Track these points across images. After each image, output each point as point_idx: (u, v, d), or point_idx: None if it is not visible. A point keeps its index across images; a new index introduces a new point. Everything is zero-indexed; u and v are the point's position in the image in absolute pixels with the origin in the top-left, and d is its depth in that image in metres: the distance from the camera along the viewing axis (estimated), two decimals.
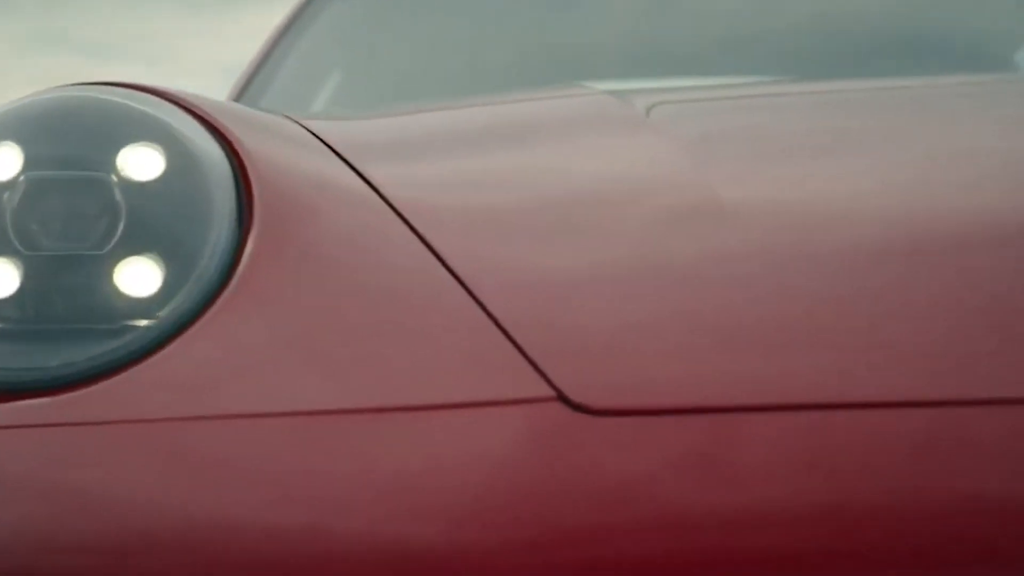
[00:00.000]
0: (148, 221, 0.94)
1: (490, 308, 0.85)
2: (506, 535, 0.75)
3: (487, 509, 0.76)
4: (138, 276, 0.92)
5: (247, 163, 0.97)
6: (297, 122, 1.10)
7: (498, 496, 0.76)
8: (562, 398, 0.79)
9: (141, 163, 0.96)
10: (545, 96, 1.32)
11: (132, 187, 0.94)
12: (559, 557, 0.74)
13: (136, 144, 0.96)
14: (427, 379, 0.82)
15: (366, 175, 1.00)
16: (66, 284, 0.91)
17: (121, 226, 0.93)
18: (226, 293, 0.89)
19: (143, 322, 0.89)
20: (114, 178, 0.94)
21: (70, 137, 0.97)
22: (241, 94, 2.03)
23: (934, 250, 0.90)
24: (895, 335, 0.83)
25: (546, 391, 0.80)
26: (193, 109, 1.01)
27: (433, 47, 2.19)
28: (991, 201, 0.96)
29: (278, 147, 1.02)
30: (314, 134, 1.06)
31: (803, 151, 1.10)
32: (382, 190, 0.97)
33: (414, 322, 0.86)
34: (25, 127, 0.97)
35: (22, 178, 0.93)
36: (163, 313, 0.89)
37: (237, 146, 0.98)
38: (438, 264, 0.90)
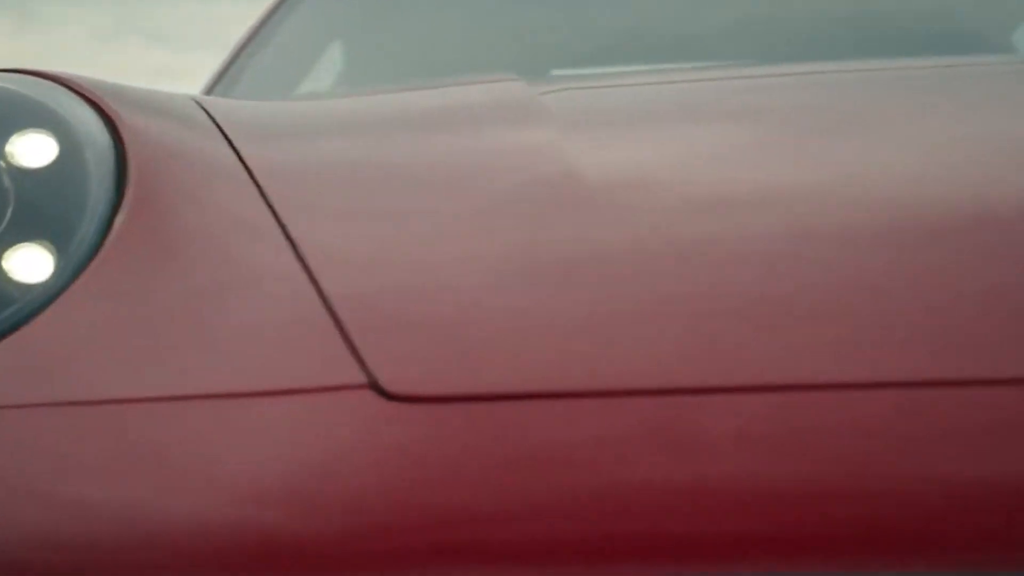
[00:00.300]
0: (37, 207, 0.94)
1: (331, 299, 0.85)
2: (294, 523, 0.75)
3: (288, 496, 0.76)
4: (28, 262, 0.92)
5: (128, 148, 0.97)
6: (203, 106, 1.10)
7: (300, 482, 0.76)
8: (374, 386, 0.79)
9: (31, 150, 0.97)
10: (456, 84, 1.31)
11: (21, 173, 0.95)
12: (355, 546, 0.74)
13: (26, 131, 0.97)
14: (252, 367, 0.82)
15: (247, 160, 1.00)
16: None
17: (9, 212, 0.93)
18: (81, 279, 0.89)
19: (11, 308, 0.89)
20: (3, 164, 0.95)
21: None
22: (222, 75, 2.03)
23: (894, 231, 0.89)
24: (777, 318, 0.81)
25: (359, 379, 0.79)
26: (86, 94, 1.02)
27: (424, 29, 2.18)
28: (960, 184, 0.95)
29: (167, 131, 1.03)
30: (212, 118, 1.06)
31: (727, 134, 1.09)
32: (257, 174, 0.98)
33: (257, 309, 0.86)
34: None
35: None
36: (26, 298, 0.89)
37: (123, 131, 0.99)
38: (292, 251, 0.90)
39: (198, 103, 1.11)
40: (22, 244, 0.93)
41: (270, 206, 0.94)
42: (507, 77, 1.27)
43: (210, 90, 1.99)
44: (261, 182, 0.97)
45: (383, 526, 0.74)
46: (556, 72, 2.09)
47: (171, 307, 0.87)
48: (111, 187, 0.95)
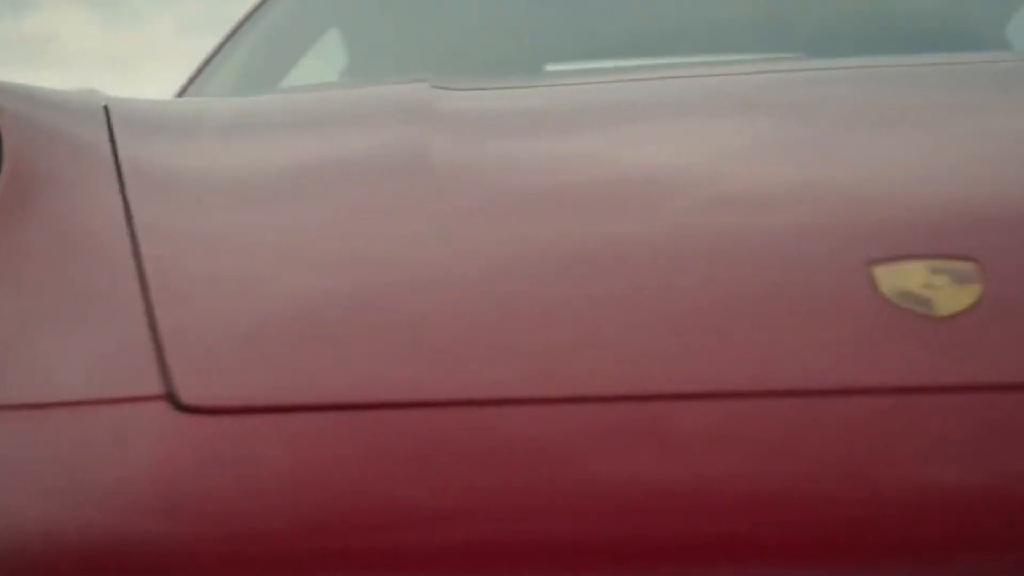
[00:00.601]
0: None
1: (157, 307, 0.86)
2: (78, 538, 0.75)
3: (68, 510, 0.77)
4: None
5: (4, 141, 1.00)
6: (107, 106, 1.12)
7: (82, 494, 0.77)
8: (170, 397, 0.80)
9: None
10: (363, 87, 1.32)
11: None
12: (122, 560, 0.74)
13: None
14: (67, 376, 0.84)
15: (122, 159, 1.02)
16: None
17: None
18: None
19: None
20: None
21: None
22: (207, 64, 2.04)
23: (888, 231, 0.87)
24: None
25: (156, 389, 0.80)
26: None
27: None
28: (969, 184, 0.93)
29: (53, 128, 1.06)
30: (109, 117, 1.08)
31: (608, 138, 1.08)
32: (126, 172, 1.00)
33: (90, 315, 0.88)
34: None
35: None
36: None
37: (2, 124, 1.02)
38: (132, 255, 0.91)
39: (104, 102, 1.13)
40: None
41: (127, 205, 0.95)
42: (419, 78, 1.27)
43: (194, 79, 2.00)
44: (127, 180, 0.99)
45: (155, 541, 0.74)
46: (551, 67, 2.08)
47: (9, 308, 0.89)
48: None
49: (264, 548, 0.74)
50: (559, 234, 0.90)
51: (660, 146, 1.05)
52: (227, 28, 2.17)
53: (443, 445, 0.75)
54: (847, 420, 0.75)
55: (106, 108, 1.11)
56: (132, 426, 0.79)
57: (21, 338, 0.86)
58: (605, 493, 0.74)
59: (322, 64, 2.17)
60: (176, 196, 0.99)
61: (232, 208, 0.98)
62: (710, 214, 0.91)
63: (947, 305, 0.80)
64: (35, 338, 0.86)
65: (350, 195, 0.98)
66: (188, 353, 0.82)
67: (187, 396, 0.79)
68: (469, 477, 0.75)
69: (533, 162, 1.02)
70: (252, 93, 1.80)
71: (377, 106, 1.17)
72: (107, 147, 1.04)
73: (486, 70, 1.95)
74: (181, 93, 1.95)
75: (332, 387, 0.79)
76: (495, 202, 0.95)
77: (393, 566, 0.74)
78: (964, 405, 0.76)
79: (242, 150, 1.09)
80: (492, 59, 2.07)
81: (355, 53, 2.21)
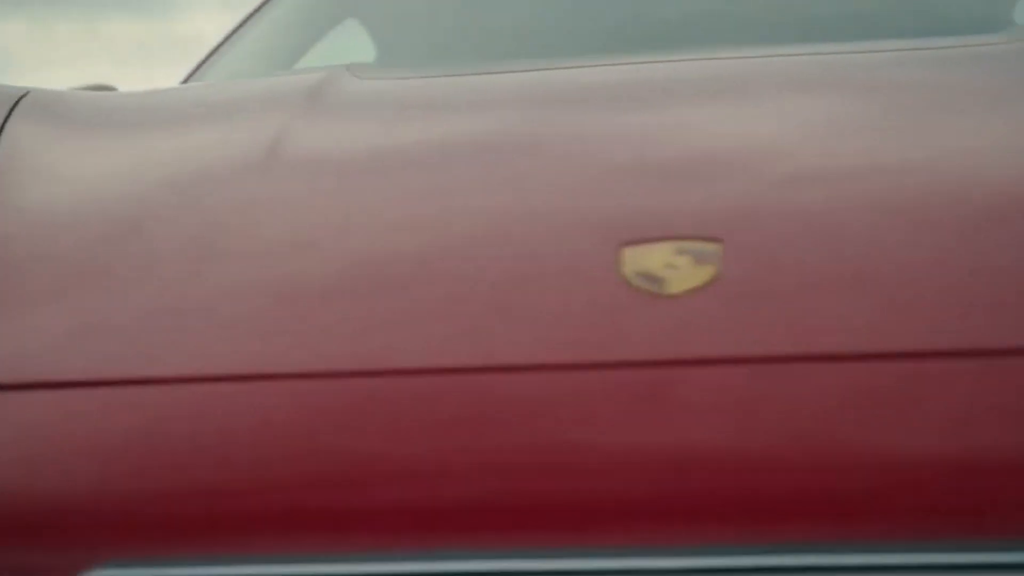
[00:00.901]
0: None
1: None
2: None
3: None
4: None
5: None
6: (19, 96, 1.17)
7: None
8: None
9: None
10: (286, 75, 1.34)
11: None
12: None
13: None
14: None
15: (11, 137, 1.06)
16: None
17: None
18: None
19: None
20: None
21: None
22: (216, 50, 2.07)
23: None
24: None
25: None
26: None
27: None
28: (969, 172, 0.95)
29: None
30: (14, 107, 1.14)
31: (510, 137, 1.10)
32: (16, 152, 1.03)
33: None
34: None
35: None
36: None
37: None
38: None
39: (19, 94, 1.18)
40: None
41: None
42: (337, 66, 1.30)
43: (202, 64, 2.03)
44: (15, 163, 1.04)
45: None
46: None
47: None
48: None
49: (42, 518, 0.78)
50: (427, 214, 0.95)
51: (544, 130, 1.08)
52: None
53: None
54: (552, 393, 0.79)
55: (21, 97, 1.15)
56: None
57: None
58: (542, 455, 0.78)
59: (333, 55, 2.18)
60: (41, 183, 1.03)
61: (88, 197, 1.02)
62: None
63: (678, 284, 0.81)
64: None
65: (199, 184, 1.02)
66: (11, 333, 0.86)
67: None
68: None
69: (397, 147, 1.05)
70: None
71: (266, 96, 1.21)
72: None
73: (505, 59, 1.95)
74: (188, 79, 1.98)
75: (144, 363, 0.83)
76: (352, 186, 0.99)
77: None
78: (675, 378, 0.78)
79: (121, 142, 1.13)
80: (510, 50, 2.07)
81: (381, 42, 2.23)
